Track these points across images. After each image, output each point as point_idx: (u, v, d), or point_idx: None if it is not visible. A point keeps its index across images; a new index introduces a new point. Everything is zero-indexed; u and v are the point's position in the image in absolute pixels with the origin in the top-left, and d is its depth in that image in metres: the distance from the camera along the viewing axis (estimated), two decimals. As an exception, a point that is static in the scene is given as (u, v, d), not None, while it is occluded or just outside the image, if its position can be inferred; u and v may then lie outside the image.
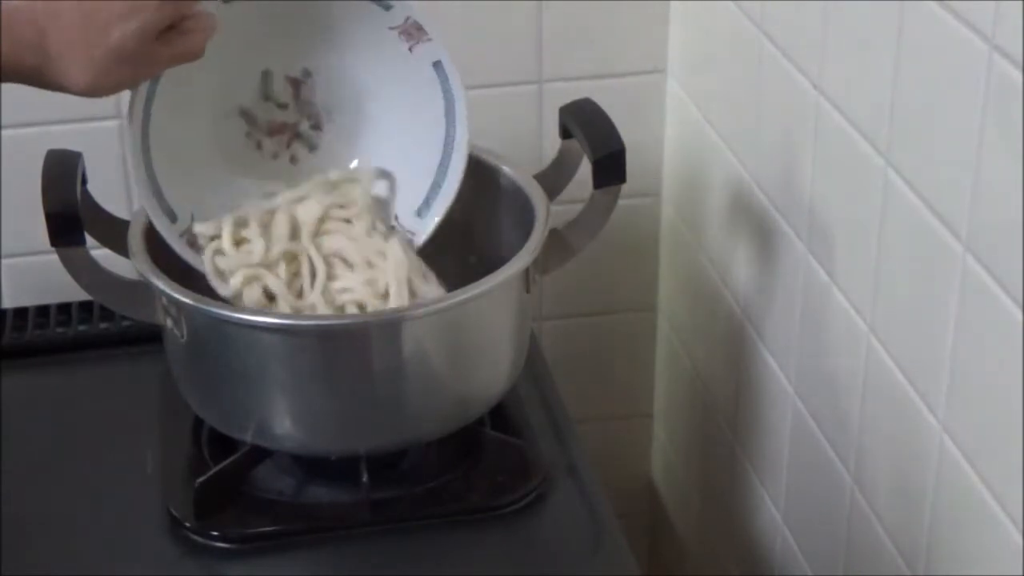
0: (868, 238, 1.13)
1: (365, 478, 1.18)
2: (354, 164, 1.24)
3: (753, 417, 1.42)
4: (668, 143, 1.57)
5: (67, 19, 0.98)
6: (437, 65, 1.19)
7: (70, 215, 1.14)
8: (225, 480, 1.18)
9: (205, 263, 1.15)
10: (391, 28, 1.18)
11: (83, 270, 1.15)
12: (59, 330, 1.40)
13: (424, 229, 1.22)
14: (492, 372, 1.20)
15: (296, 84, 1.23)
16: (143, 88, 1.09)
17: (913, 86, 1.05)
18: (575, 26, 1.49)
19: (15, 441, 1.18)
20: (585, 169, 1.21)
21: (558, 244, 1.20)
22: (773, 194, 1.31)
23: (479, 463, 1.22)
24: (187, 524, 1.16)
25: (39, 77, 1.00)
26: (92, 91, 1.00)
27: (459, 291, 1.15)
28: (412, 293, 1.16)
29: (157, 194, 1.14)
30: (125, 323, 1.33)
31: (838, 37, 1.16)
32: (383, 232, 1.20)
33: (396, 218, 1.23)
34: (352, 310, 1.16)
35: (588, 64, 1.51)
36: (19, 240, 1.46)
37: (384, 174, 1.24)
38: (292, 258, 1.17)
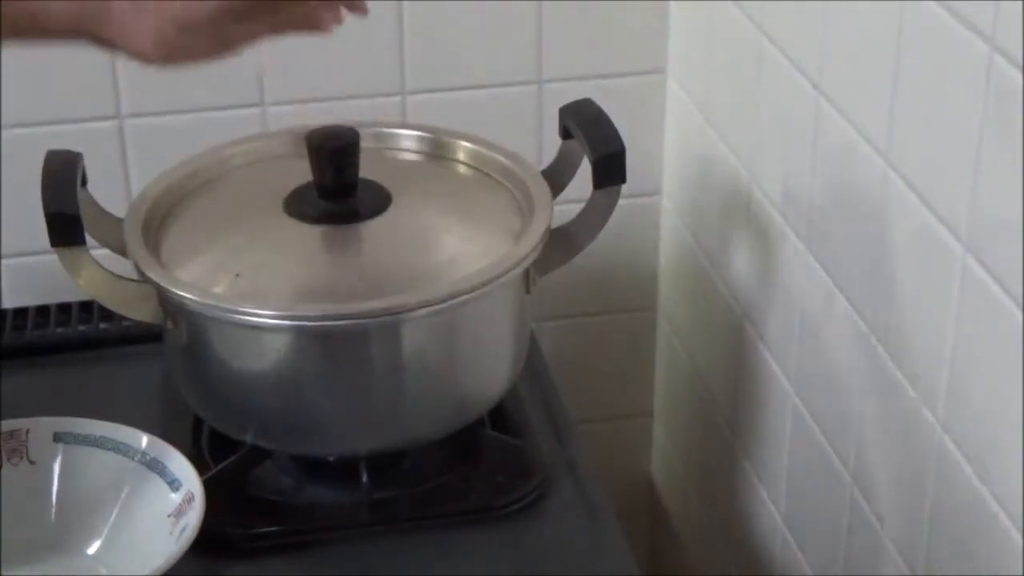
0: (868, 238, 1.13)
1: (365, 478, 1.18)
2: None
3: (753, 417, 1.42)
4: (668, 143, 1.57)
5: None
6: None
7: (70, 215, 1.14)
8: (225, 480, 1.18)
9: None
10: None
11: (83, 270, 1.14)
12: (59, 330, 1.39)
13: None
14: (492, 372, 1.20)
15: None
16: None
17: (913, 86, 1.05)
18: (575, 26, 1.49)
19: (15, 441, 1.18)
20: (585, 169, 1.21)
21: (558, 244, 1.20)
22: (773, 194, 1.31)
23: (479, 463, 1.22)
24: (187, 524, 1.16)
25: (103, 41, 0.98)
26: (158, 60, 0.98)
27: (459, 291, 1.14)
28: None
29: None
30: (125, 323, 1.33)
31: (838, 37, 1.16)
32: None
33: None
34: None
35: (588, 64, 1.51)
36: (19, 240, 1.45)
37: None
38: None
